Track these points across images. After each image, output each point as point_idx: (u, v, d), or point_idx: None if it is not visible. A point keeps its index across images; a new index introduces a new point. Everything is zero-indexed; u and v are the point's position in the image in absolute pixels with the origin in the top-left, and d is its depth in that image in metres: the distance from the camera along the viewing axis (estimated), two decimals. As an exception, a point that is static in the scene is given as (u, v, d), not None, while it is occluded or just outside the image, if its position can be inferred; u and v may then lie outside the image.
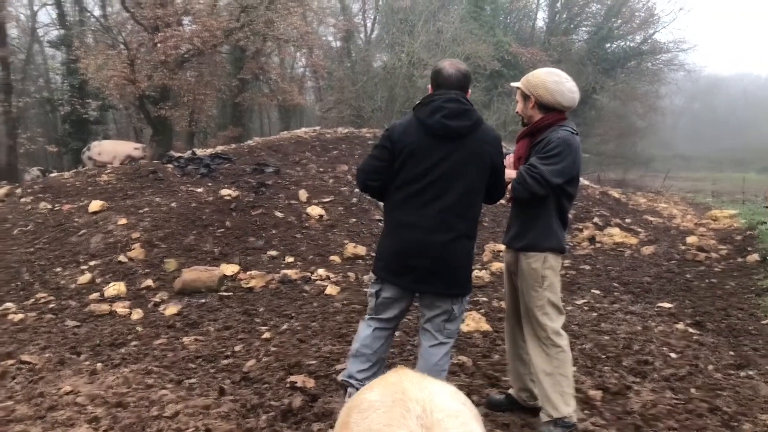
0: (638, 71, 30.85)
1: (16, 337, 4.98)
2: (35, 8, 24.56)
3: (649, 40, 30.35)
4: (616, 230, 9.75)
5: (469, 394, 3.60)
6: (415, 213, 2.89)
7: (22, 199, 9.74)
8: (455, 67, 2.98)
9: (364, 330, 3.09)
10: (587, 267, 7.72)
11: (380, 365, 3.08)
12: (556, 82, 3.08)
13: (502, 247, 3.66)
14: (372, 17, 28.23)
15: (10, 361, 4.30)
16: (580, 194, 10.86)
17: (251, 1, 16.67)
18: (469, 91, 3.03)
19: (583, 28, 31.40)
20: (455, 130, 2.86)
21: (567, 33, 29.97)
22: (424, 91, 24.49)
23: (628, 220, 10.99)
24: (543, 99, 3.07)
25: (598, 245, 9.09)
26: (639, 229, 10.35)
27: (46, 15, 23.99)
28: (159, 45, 15.27)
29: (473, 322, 4.94)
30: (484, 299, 5.94)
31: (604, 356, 4.38)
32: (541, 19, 32.59)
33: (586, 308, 5.76)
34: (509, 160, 3.25)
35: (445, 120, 2.85)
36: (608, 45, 30.04)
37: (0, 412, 3.38)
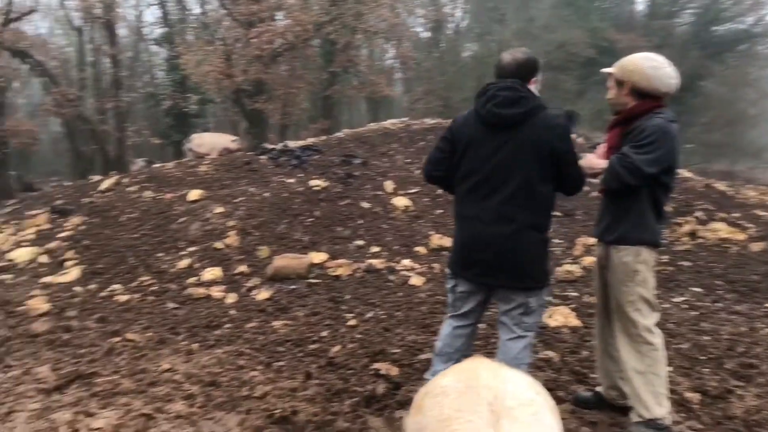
0: (750, 55, 28.64)
1: (122, 316, 5.34)
2: (141, 9, 26.07)
3: (762, 22, 28.10)
4: (721, 225, 9.13)
5: (554, 390, 3.51)
6: (476, 205, 2.87)
7: (129, 188, 10.38)
8: (512, 55, 2.93)
9: (446, 329, 3.12)
10: (687, 263, 7.30)
11: None
12: (653, 67, 2.92)
13: (594, 240, 3.52)
14: (461, 7, 27.87)
15: (117, 339, 4.62)
16: (681, 187, 10.26)
17: (341, -5, 16.93)
18: (534, 79, 2.93)
19: (688, 11, 29.50)
20: (506, 118, 2.79)
21: (670, 16, 28.30)
22: (514, 81, 23.82)
23: (735, 215, 10.28)
24: (639, 85, 2.91)
25: (700, 241, 8.56)
26: (748, 225, 9.65)
27: (151, 14, 25.43)
28: (254, 40, 15.80)
29: (562, 317, 4.80)
30: (575, 294, 5.76)
31: (703, 357, 4.13)
32: (642, 2, 30.95)
33: (684, 306, 5.45)
34: (600, 150, 3.11)
35: (496, 108, 2.80)
36: (716, 28, 28.08)
37: (107, 384, 3.64)
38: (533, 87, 2.91)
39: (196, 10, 22.97)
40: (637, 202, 2.90)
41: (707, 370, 3.91)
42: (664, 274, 6.47)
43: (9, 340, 4.58)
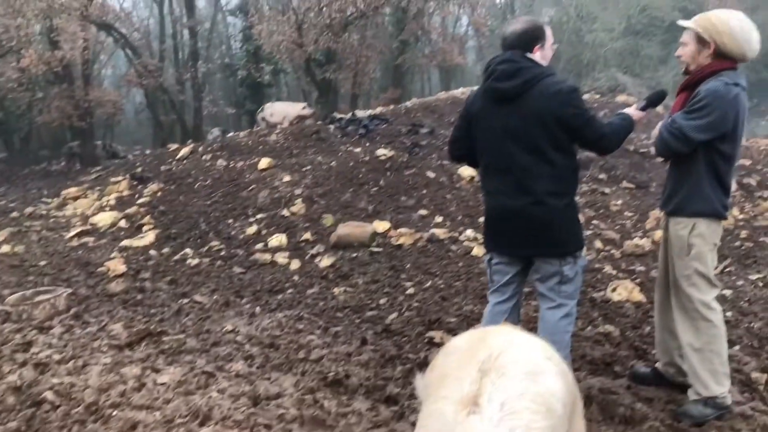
0: None
1: (191, 279, 5.60)
2: (219, -20, 26.58)
3: None
4: (811, 199, 8.52)
5: (611, 364, 3.44)
6: (495, 179, 2.89)
7: (203, 157, 10.76)
8: (512, 26, 2.89)
9: (487, 308, 3.14)
10: (769, 239, 6.89)
11: None
12: (745, 29, 2.69)
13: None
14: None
15: (185, 300, 4.86)
16: (767, 160, 9.64)
17: (414, -39, 16.62)
18: (537, 47, 2.83)
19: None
20: (505, 91, 2.76)
21: (767, -26, 26.21)
22: (591, 47, 22.43)
23: (828, 189, 9.58)
24: (727, 47, 2.68)
25: (787, 216, 8.04)
26: (842, 199, 8.98)
27: (228, -14, 25.88)
28: (325, 9, 15.82)
29: (625, 291, 4.66)
30: (641, 269, 5.56)
31: (776, 338, 3.92)
32: (735, -41, 28.74)
33: (760, 284, 5.15)
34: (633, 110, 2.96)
35: (495, 83, 2.79)
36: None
37: (174, 342, 3.84)
38: (537, 56, 2.83)
39: (270, -20, 23.19)
40: (693, 171, 2.74)
41: (779, 351, 3.71)
42: (741, 250, 6.14)
43: (88, 299, 4.90)
